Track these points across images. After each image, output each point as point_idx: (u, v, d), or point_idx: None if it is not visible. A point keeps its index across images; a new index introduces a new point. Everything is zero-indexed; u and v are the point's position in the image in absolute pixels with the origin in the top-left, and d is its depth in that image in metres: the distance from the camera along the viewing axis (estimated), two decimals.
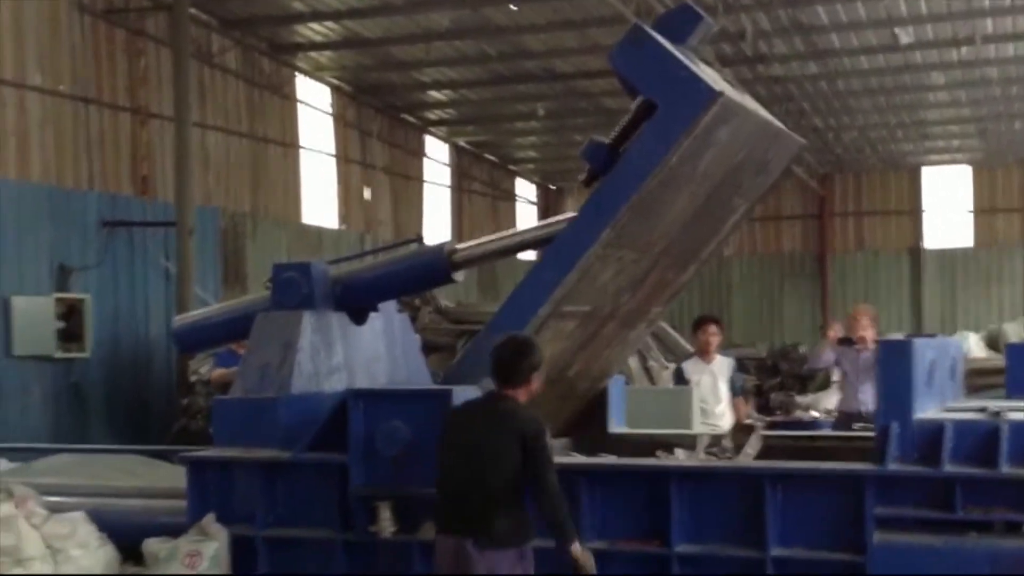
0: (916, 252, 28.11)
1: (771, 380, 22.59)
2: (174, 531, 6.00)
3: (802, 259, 28.90)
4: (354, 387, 6.08)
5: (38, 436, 11.84)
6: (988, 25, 17.47)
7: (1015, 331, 22.36)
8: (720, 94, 5.12)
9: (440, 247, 6.35)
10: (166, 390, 14.13)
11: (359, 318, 6.68)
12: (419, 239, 6.70)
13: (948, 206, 28.50)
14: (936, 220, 28.62)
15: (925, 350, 5.28)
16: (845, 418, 10.46)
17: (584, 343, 6.15)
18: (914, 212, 28.44)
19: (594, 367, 6.59)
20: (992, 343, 20.84)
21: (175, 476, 7.95)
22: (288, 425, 6.02)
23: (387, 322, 6.89)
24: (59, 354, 12.76)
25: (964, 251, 28.08)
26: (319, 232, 19.39)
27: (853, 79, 20.48)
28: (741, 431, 7.08)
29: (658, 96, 5.23)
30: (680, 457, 6.10)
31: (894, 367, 5.07)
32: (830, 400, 17.00)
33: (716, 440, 6.62)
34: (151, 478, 7.94)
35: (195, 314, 7.64)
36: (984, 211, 28.29)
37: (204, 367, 12.53)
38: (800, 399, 19.67)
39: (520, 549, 4.82)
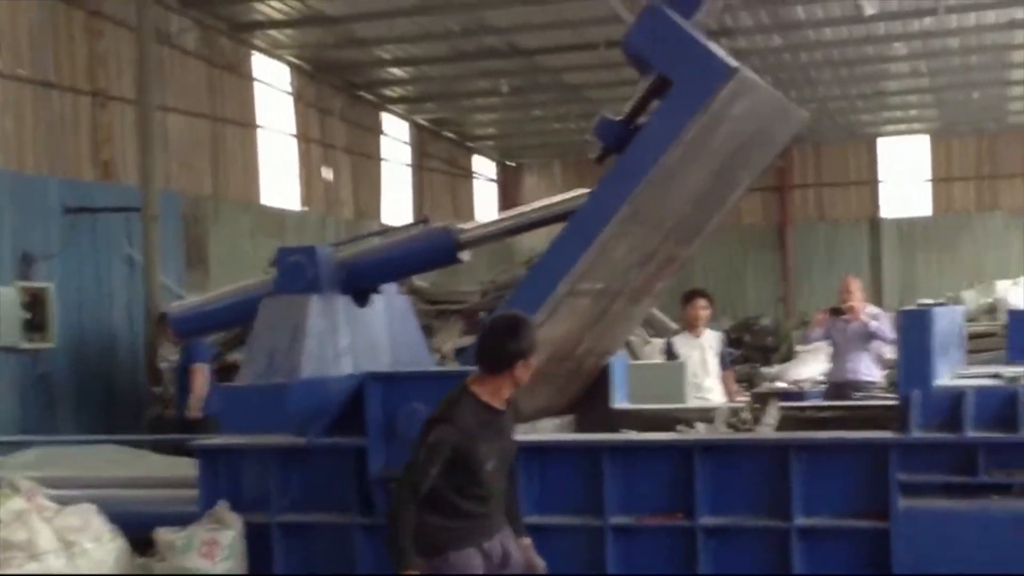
0: (875, 222, 28.50)
1: (735, 353, 22.91)
2: (183, 521, 6.01)
3: (763, 231, 29.20)
4: (360, 370, 6.12)
5: (5, 429, 11.72)
6: None
7: (973, 299, 22.79)
8: (736, 69, 5.22)
9: (446, 228, 6.40)
10: (132, 379, 14.03)
11: (362, 301, 6.71)
12: (425, 220, 6.74)
13: (906, 176, 28.91)
14: (894, 190, 29.02)
15: (941, 319, 5.42)
16: (835, 388, 10.67)
17: (593, 321, 6.24)
18: (873, 182, 28.82)
19: (601, 344, 6.69)
20: None
21: (163, 465, 7.98)
22: (300, 410, 6.03)
23: (389, 304, 6.93)
24: (24, 344, 12.61)
25: (922, 220, 28.52)
26: (281, 214, 19.31)
27: (816, 51, 20.71)
28: (757, 401, 7.21)
29: (675, 73, 5.32)
30: (701, 430, 6.20)
31: (914, 336, 5.20)
32: (797, 371, 17.28)
33: (733, 412, 6.73)
34: (141, 468, 7.93)
35: (192, 300, 7.62)
36: (941, 180, 28.72)
37: (174, 355, 12.47)
38: (765, 370, 19.97)
39: (431, 561, 4.43)
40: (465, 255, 6.43)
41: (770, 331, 26.43)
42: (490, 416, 4.48)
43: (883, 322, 10.65)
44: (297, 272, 6.38)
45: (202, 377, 11.32)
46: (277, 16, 17.81)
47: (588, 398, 7.05)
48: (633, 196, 5.39)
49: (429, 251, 6.50)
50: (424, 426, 4.49)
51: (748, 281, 28.45)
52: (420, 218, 6.61)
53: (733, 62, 5.32)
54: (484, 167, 29.95)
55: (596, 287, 5.87)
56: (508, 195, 30.33)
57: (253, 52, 18.71)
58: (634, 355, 12.08)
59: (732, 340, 23.65)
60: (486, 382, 4.48)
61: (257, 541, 5.92)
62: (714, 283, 28.68)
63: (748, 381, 18.26)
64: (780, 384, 17.42)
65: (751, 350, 25.03)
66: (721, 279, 28.65)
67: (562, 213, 6.32)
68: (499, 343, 4.45)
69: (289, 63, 19.75)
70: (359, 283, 6.57)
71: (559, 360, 6.23)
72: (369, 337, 6.70)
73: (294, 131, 20.02)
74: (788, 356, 21.69)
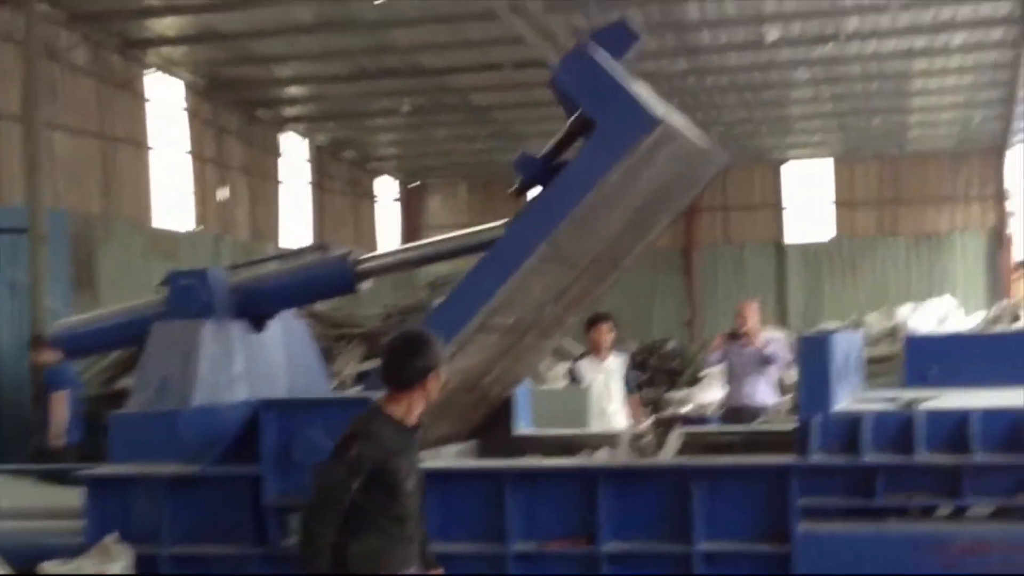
0: (780, 245, 29.08)
1: (642, 376, 23.12)
2: (70, 553, 5.88)
3: (670, 254, 29.59)
4: (256, 396, 6.07)
5: None
6: (852, 23, 18.26)
7: (876, 322, 23.37)
8: (662, 121, 5.26)
9: (345, 256, 6.36)
10: (17, 406, 13.68)
11: (258, 325, 6.65)
12: (324, 247, 6.70)
13: (810, 200, 29.56)
14: (799, 214, 29.66)
15: (840, 344, 5.56)
16: (732, 412, 10.85)
17: (503, 353, 6.26)
18: (778, 206, 29.41)
19: (509, 375, 6.72)
20: None
21: (49, 495, 7.79)
22: (192, 438, 5.97)
23: (286, 329, 6.88)
24: None
25: (826, 244, 29.17)
26: (174, 235, 19.05)
27: (721, 76, 21.14)
28: (660, 426, 7.31)
29: (600, 117, 5.32)
30: (605, 456, 6.26)
31: (814, 362, 5.33)
32: (703, 396, 17.52)
33: (636, 437, 6.82)
34: (26, 497, 7.73)
35: (79, 318, 7.46)
36: (844, 204, 29.42)
37: None
38: (671, 395, 20.22)
39: None
40: (363, 285, 6.41)
41: (676, 355, 26.72)
42: (405, 434, 4.43)
43: (778, 347, 10.88)
44: (189, 296, 6.30)
45: (61, 405, 11.13)
46: (170, 33, 17.64)
47: (491, 424, 7.06)
48: (552, 236, 5.40)
49: (326, 280, 6.47)
50: (339, 445, 4.35)
51: (655, 304, 28.79)
52: (318, 244, 6.54)
53: (659, 111, 5.36)
54: (387, 188, 29.90)
55: (508, 322, 5.89)
56: (411, 217, 30.32)
57: (146, 70, 18.47)
58: (538, 379, 12.14)
59: (638, 363, 23.85)
60: (398, 400, 4.43)
61: (147, 573, 5.81)
62: (620, 306, 28.90)
63: (654, 405, 18.47)
64: (686, 408, 17.67)
65: (657, 373, 25.28)
66: (627, 302, 28.88)
67: (467, 247, 6.39)
68: (407, 358, 4.42)
69: (183, 80, 19.53)
70: (254, 309, 6.51)
71: (465, 390, 6.24)
72: (265, 362, 6.64)
73: (188, 149, 19.77)
74: (694, 380, 21.97)
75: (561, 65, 5.60)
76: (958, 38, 19.37)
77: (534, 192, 5.71)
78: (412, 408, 4.45)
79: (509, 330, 5.95)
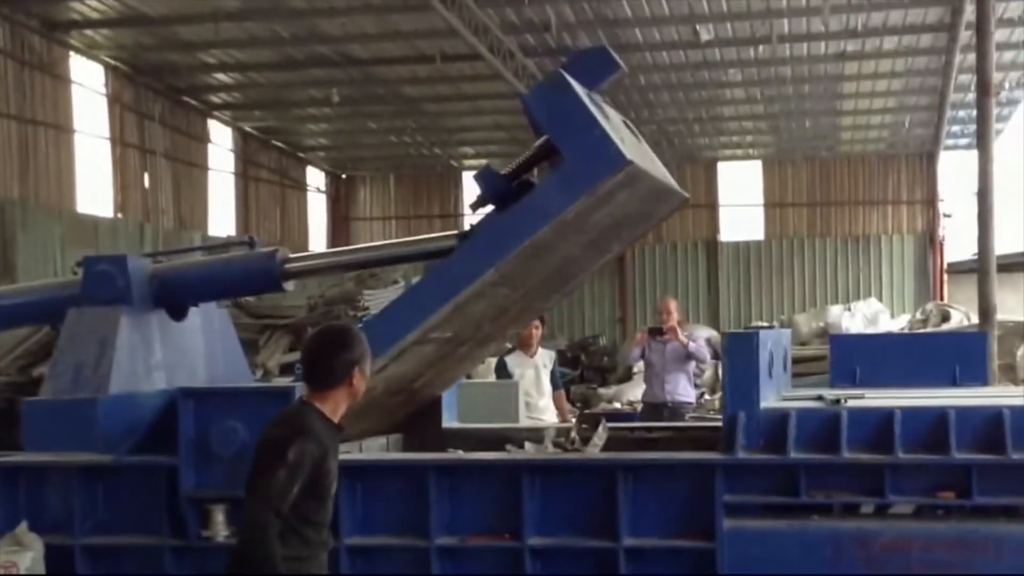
0: (712, 245, 29.33)
1: (572, 373, 23.23)
2: None
3: None
4: (174, 386, 5.99)
5: None
6: (785, 25, 18.48)
7: (806, 321, 23.73)
8: (629, 162, 5.20)
9: (272, 255, 6.30)
10: None
11: (178, 314, 6.56)
12: (251, 242, 6.61)
13: (742, 200, 29.86)
14: (731, 214, 29.93)
15: (767, 342, 5.61)
16: (651, 408, 10.96)
17: (437, 360, 6.23)
18: (711, 206, 29.65)
19: (440, 379, 6.70)
20: None
21: None
22: (107, 427, 5.87)
23: (207, 318, 6.80)
24: None
25: (756, 244, 29.49)
26: (95, 221, 18.74)
27: (654, 74, 21.27)
28: (586, 422, 7.33)
29: (568, 149, 5.25)
30: (530, 450, 6.26)
31: (740, 359, 5.37)
32: (634, 392, 17.63)
33: (563, 432, 6.83)
34: None
35: None
36: (774, 205, 29.76)
37: None
38: (603, 391, 20.34)
39: None
40: (289, 285, 6.36)
41: (607, 351, 26.91)
42: (333, 433, 4.30)
43: (700, 343, 11.01)
44: (106, 282, 6.20)
45: None
46: (93, 15, 17.33)
47: (418, 417, 7.03)
48: (500, 263, 5.37)
49: (251, 277, 6.40)
50: (276, 444, 4.11)
51: (586, 301, 28.87)
52: (246, 238, 6.43)
53: (628, 150, 5.31)
54: (315, 178, 29.68)
55: (446, 335, 5.86)
56: (340, 207, 30.12)
57: (70, 53, 18.14)
58: (467, 374, 12.12)
59: (568, 360, 23.96)
60: (325, 398, 4.29)
61: (59, 564, 5.72)
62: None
63: (584, 401, 18.58)
64: (616, 404, 17.77)
65: (588, 370, 25.44)
66: None
67: (397, 256, 6.42)
68: (332, 355, 4.29)
69: (106, 64, 19.20)
70: (174, 299, 6.42)
71: (393, 393, 6.21)
72: (185, 352, 6.56)
73: (108, 135, 19.46)
74: (625, 377, 22.13)
75: (535, 89, 5.55)
76: (889, 43, 19.69)
77: (486, 209, 5.63)
78: (338, 406, 4.33)
79: (446, 342, 5.92)
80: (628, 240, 6.63)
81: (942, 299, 26.08)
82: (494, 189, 5.53)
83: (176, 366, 6.42)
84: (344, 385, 4.30)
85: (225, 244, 6.76)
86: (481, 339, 6.51)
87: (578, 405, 16.48)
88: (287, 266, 6.24)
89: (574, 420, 8.57)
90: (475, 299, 5.57)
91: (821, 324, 22.98)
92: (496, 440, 6.72)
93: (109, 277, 6.22)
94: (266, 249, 6.47)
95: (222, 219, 23.87)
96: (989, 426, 5.23)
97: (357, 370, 4.31)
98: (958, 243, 27.62)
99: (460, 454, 5.82)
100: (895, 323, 23.01)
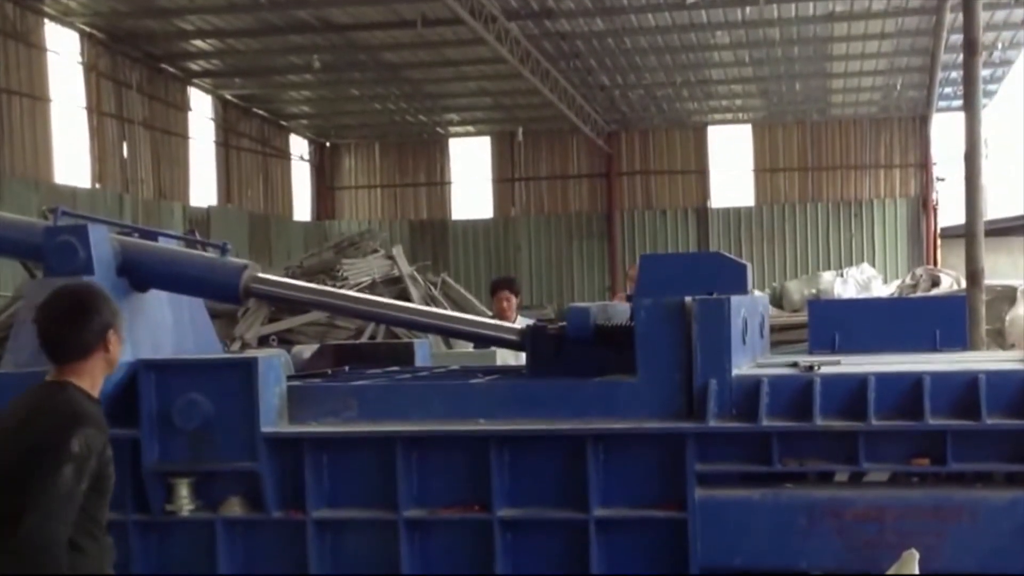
0: (703, 211, 29.28)
1: None
2: None
3: (590, 219, 29.68)
4: (139, 357, 5.93)
5: None
6: None
7: (798, 288, 23.71)
8: None
9: (241, 270, 6.24)
10: None
11: (142, 287, 6.49)
12: (225, 248, 6.52)
13: (732, 165, 29.80)
14: (721, 179, 29.87)
15: (739, 307, 5.55)
16: None
17: None
18: (700, 171, 29.59)
19: None
20: (776, 301, 22.01)
21: None
22: None
23: None
24: None
25: (747, 209, 29.44)
26: (73, 192, 18.64)
27: (640, 36, 21.14)
28: None
29: None
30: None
31: (712, 325, 5.30)
32: None
33: None
34: None
35: None
36: (765, 170, 29.71)
37: None
38: None
39: None
40: (249, 303, 6.32)
41: None
42: (102, 414, 3.95)
43: None
44: (67, 252, 6.12)
45: None
46: None
47: None
48: None
49: (214, 285, 6.34)
50: (46, 438, 3.65)
51: (575, 268, 28.87)
52: (220, 244, 6.35)
53: None
54: (298, 146, 29.55)
55: None
56: (324, 176, 30.00)
57: (44, 20, 17.98)
58: (446, 345, 12.09)
59: None
60: (81, 372, 3.88)
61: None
62: (540, 270, 29.11)
63: None
64: None
65: None
66: (547, 266, 29.03)
67: (362, 313, 6.36)
68: (80, 321, 3.84)
69: (81, 31, 19.04)
70: (136, 277, 6.36)
71: None
72: (150, 323, 6.48)
73: (84, 104, 19.33)
74: None
75: None
76: (878, 3, 19.58)
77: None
78: (96, 380, 3.98)
79: None
80: None
81: (935, 264, 26.07)
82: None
83: (141, 338, 6.34)
84: (99, 352, 3.93)
85: (201, 243, 6.69)
86: None
87: None
88: (253, 285, 6.21)
89: None
90: None
91: (814, 291, 22.98)
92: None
93: (70, 247, 6.14)
94: (238, 261, 6.42)
95: (203, 189, 23.76)
96: (964, 391, 5.17)
97: (112, 332, 3.95)
98: (952, 207, 27.59)
99: (429, 425, 5.75)
100: (886, 289, 23.01)
